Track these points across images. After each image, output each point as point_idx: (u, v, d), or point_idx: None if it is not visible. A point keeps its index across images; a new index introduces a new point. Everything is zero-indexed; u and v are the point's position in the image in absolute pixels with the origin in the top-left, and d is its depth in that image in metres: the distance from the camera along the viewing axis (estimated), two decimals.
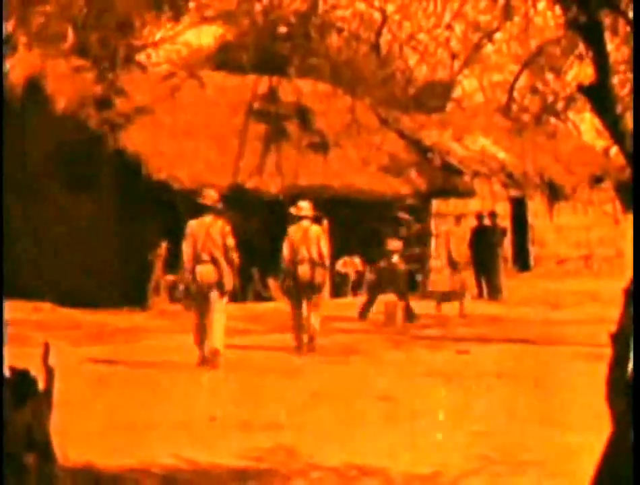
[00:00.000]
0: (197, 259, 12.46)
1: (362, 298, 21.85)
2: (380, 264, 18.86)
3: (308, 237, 14.08)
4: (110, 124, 15.24)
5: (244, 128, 21.11)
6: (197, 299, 12.63)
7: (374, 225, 23.04)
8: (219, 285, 12.47)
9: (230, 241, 12.60)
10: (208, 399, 10.64)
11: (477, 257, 22.35)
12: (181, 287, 13.93)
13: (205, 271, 12.45)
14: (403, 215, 21.28)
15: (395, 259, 18.38)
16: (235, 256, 12.61)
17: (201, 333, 12.51)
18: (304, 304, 14.09)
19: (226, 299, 12.72)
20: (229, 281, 12.57)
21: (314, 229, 14.35)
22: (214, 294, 12.48)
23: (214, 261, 12.44)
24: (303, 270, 13.96)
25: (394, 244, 18.75)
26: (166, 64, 25.90)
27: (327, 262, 14.51)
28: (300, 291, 14.05)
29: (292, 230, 14.23)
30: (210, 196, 12.88)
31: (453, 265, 20.45)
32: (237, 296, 19.99)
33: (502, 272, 22.43)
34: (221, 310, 12.59)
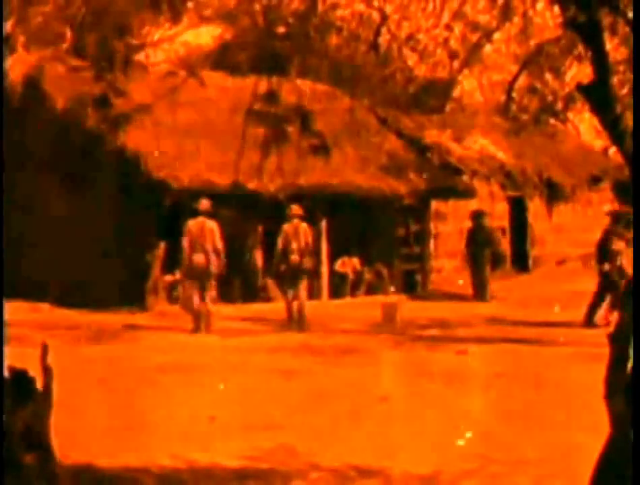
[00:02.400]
0: (193, 249, 16.15)
1: (360, 299, 21.86)
2: (604, 266, 17.29)
3: (298, 232, 17.47)
4: (109, 123, 15.51)
5: (244, 128, 21.05)
6: (193, 279, 16.25)
7: (374, 224, 23.03)
8: (209, 269, 16.23)
9: (217, 237, 16.33)
10: (208, 399, 10.64)
11: (470, 258, 22.32)
12: (181, 271, 16.94)
13: (198, 259, 16.14)
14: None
15: (621, 261, 16.94)
16: (221, 249, 16.32)
17: (193, 306, 16.16)
18: (294, 286, 17.40)
19: (214, 281, 16.50)
20: (215, 268, 16.30)
21: (303, 225, 17.71)
22: (205, 276, 16.24)
23: (205, 252, 16.18)
24: (294, 257, 17.30)
25: (619, 244, 17.14)
26: (164, 63, 25.87)
27: (312, 250, 17.92)
28: (291, 274, 17.45)
29: (286, 227, 17.53)
30: (204, 204, 16.49)
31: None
32: (236, 297, 20.08)
33: (487, 273, 22.12)
34: (210, 288, 16.40)
